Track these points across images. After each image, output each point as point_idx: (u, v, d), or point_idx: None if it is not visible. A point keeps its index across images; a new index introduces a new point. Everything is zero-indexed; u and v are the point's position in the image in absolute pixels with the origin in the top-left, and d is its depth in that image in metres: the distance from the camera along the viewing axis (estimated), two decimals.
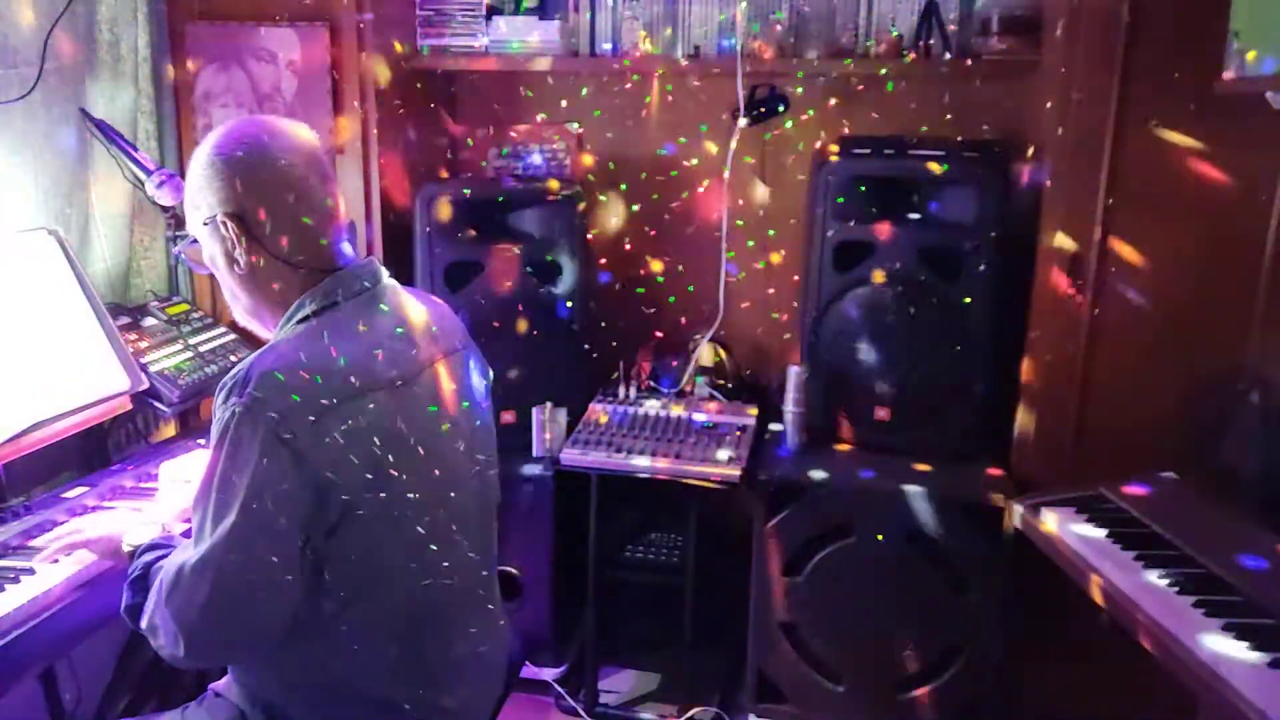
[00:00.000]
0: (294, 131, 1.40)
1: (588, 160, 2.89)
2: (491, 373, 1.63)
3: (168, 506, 1.76)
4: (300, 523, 1.22)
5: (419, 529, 1.35)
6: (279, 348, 1.29)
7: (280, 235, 1.35)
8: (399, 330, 1.39)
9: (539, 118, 2.90)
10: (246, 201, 1.34)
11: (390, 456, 1.29)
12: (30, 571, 1.56)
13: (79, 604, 1.55)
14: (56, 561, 1.59)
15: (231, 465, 1.22)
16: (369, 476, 1.26)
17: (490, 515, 1.56)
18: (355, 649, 1.33)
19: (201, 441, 2.16)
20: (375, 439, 1.27)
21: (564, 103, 2.87)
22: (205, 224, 1.38)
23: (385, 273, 1.46)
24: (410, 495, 1.32)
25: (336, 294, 1.36)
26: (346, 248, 1.43)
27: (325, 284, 1.36)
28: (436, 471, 1.37)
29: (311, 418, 1.22)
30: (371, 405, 1.28)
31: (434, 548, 1.38)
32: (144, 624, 1.31)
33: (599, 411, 2.57)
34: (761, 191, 2.78)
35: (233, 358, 2.36)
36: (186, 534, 1.37)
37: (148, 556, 1.39)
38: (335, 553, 1.27)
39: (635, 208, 2.84)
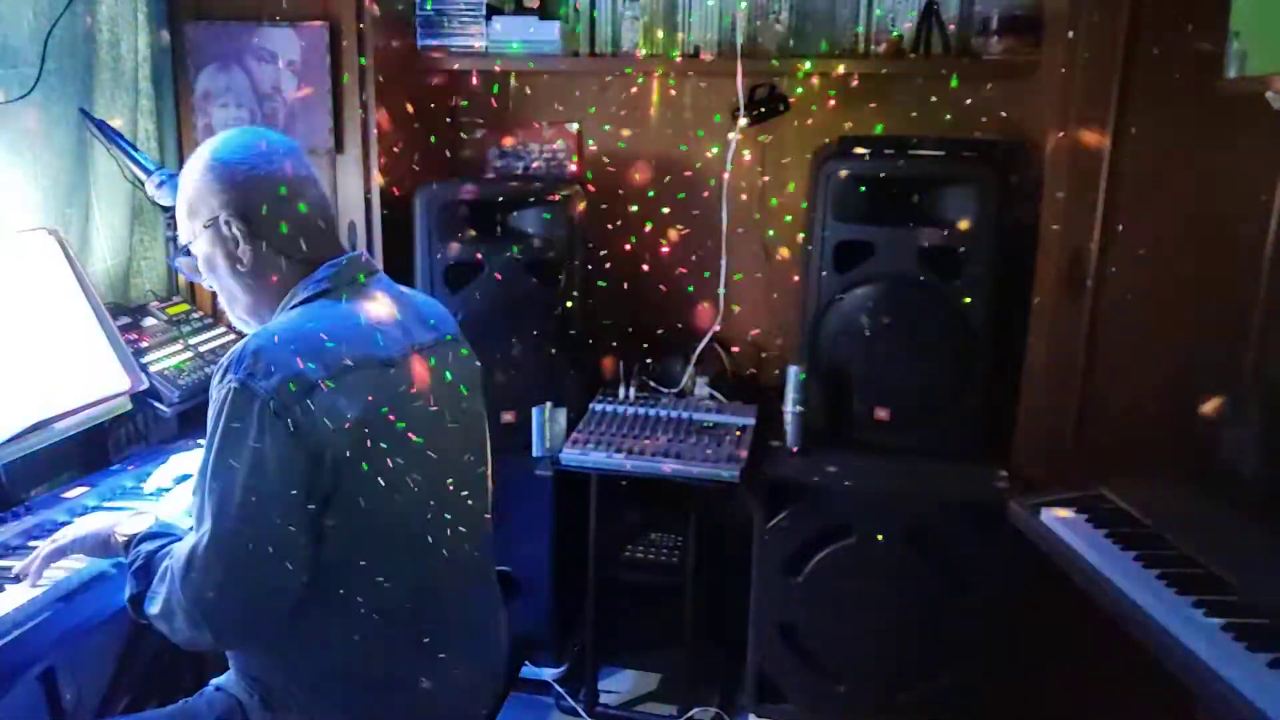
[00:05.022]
0: (279, 136, 1.51)
1: (587, 160, 2.90)
2: (479, 364, 1.64)
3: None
4: (303, 490, 1.26)
5: (412, 506, 1.38)
6: (273, 328, 1.35)
7: (279, 230, 1.43)
8: (390, 315, 1.44)
9: (539, 118, 2.90)
10: (248, 200, 1.42)
11: (380, 433, 1.33)
12: (15, 579, 1.50)
13: (79, 604, 1.54)
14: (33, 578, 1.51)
15: (230, 441, 1.26)
16: (360, 450, 1.30)
17: (483, 498, 1.58)
18: (355, 627, 1.35)
19: (201, 441, 2.16)
20: (366, 414, 1.31)
21: (564, 103, 2.87)
22: (206, 227, 1.44)
23: (377, 266, 1.53)
24: (401, 472, 1.35)
25: (330, 281, 1.42)
26: (340, 241, 1.50)
27: (319, 273, 1.43)
28: (429, 452, 1.41)
29: (304, 392, 1.26)
30: (363, 382, 1.32)
31: (428, 525, 1.42)
32: (155, 610, 1.32)
33: (599, 411, 2.57)
34: (761, 192, 2.78)
35: None
36: None
37: (147, 545, 1.40)
38: (331, 527, 1.30)
39: (634, 208, 2.84)
